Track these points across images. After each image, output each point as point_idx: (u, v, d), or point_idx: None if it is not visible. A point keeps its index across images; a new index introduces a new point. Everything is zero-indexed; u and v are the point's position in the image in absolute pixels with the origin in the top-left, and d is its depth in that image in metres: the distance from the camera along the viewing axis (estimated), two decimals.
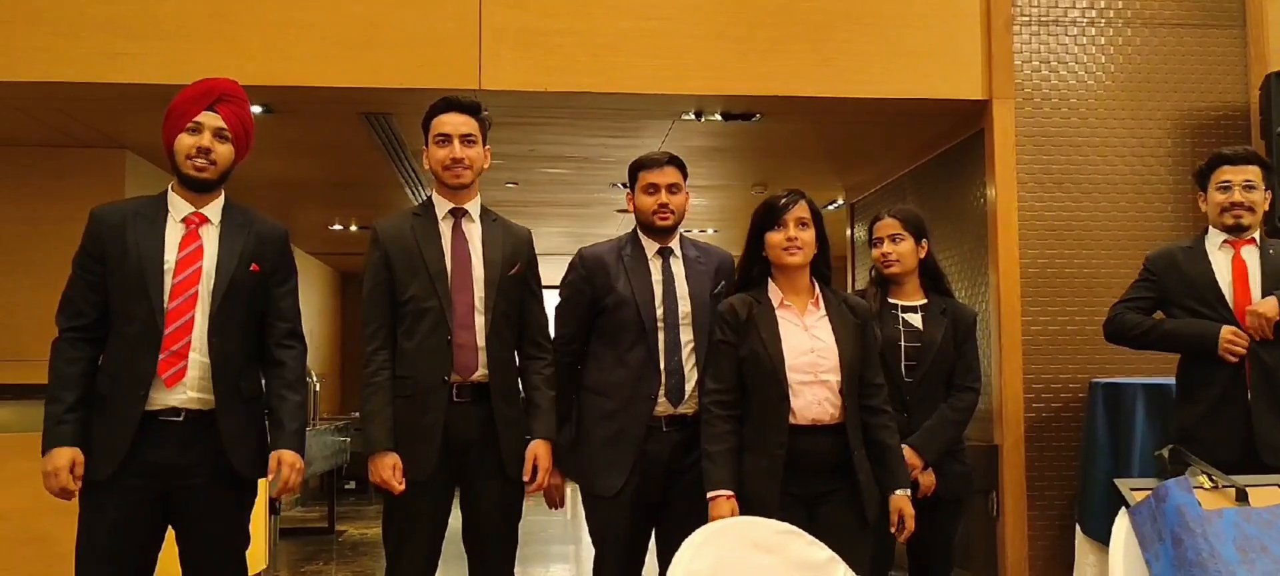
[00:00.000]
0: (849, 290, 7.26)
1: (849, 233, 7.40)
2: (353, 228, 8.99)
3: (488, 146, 3.25)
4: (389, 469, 3.02)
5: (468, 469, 3.12)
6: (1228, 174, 3.53)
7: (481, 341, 3.11)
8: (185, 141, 2.88)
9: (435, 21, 4.62)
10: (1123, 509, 2.58)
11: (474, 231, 3.20)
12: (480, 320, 3.12)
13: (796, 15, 4.80)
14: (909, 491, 3.02)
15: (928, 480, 3.36)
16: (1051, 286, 4.86)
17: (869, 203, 6.96)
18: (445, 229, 3.18)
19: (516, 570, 3.24)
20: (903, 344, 3.43)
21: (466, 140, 3.16)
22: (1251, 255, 3.49)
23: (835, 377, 2.93)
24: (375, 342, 3.10)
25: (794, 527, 2.43)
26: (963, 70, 4.89)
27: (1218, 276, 3.49)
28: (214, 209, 2.93)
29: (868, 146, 6.06)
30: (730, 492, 2.87)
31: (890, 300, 3.51)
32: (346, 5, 4.58)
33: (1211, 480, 2.53)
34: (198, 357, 2.82)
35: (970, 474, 3.58)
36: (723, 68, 4.75)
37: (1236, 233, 3.51)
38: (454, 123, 3.16)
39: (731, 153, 6.29)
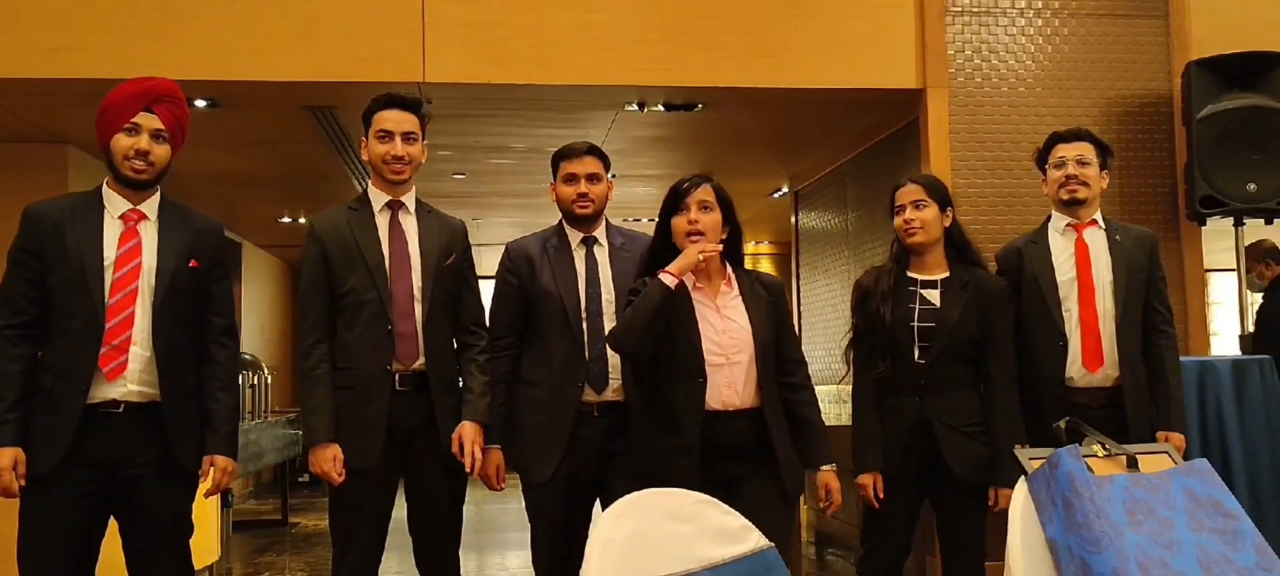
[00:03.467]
0: (792, 279, 7.41)
1: (793, 220, 7.51)
2: (302, 220, 8.95)
3: (425, 141, 3.31)
4: (329, 460, 3.07)
5: (411, 458, 3.18)
6: (1062, 151, 3.60)
7: (420, 330, 3.17)
8: (123, 142, 2.91)
9: (378, 15, 4.66)
10: (1021, 477, 2.71)
11: (410, 223, 3.26)
12: (419, 309, 3.18)
13: (735, 7, 4.89)
14: (834, 466, 3.06)
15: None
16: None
17: (812, 190, 7.08)
18: (382, 222, 3.23)
19: (473, 557, 3.29)
20: (916, 324, 3.26)
21: (408, 138, 3.22)
22: (1094, 238, 3.53)
23: (746, 357, 2.95)
24: (313, 336, 3.15)
25: (710, 498, 2.50)
26: (897, 60, 5.01)
27: (1057, 265, 3.53)
28: (151, 205, 2.98)
29: (809, 135, 6.17)
30: None
31: (909, 274, 3.35)
32: None
33: (1105, 448, 2.66)
34: (139, 351, 2.87)
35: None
36: (663, 59, 4.83)
37: (1073, 208, 3.55)
38: (396, 120, 3.22)
39: (675, 142, 6.38)
